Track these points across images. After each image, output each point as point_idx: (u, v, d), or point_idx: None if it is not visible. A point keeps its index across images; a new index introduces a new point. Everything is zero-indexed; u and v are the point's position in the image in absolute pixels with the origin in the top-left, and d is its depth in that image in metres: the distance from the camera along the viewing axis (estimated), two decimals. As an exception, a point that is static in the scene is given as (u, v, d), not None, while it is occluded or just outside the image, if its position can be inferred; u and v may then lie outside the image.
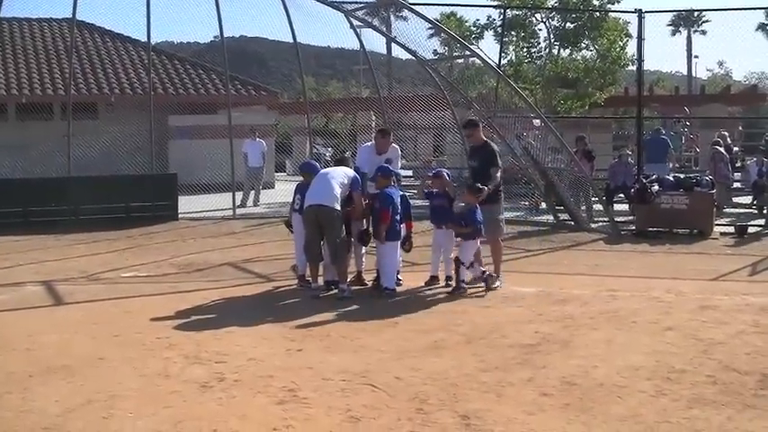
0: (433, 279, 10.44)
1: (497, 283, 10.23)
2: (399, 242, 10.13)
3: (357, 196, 10.07)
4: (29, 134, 23.51)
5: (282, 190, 21.69)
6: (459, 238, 10.20)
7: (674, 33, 69.82)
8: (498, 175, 10.34)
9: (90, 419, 5.65)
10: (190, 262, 12.93)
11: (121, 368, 6.89)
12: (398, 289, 10.04)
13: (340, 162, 10.89)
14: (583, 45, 25.90)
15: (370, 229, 10.25)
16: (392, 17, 22.42)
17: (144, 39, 21.41)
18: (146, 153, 20.75)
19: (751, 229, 15.48)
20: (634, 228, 15.60)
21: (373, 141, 11.34)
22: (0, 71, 26.91)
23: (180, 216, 18.56)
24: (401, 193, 10.40)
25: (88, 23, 29.39)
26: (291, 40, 20.69)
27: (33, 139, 22.86)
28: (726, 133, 22.90)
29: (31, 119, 24.65)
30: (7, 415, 5.78)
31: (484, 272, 10.25)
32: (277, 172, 30.62)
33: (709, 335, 7.77)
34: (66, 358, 7.17)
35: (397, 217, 9.96)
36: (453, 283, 10.10)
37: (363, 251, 10.65)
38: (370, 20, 19.94)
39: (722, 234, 15.15)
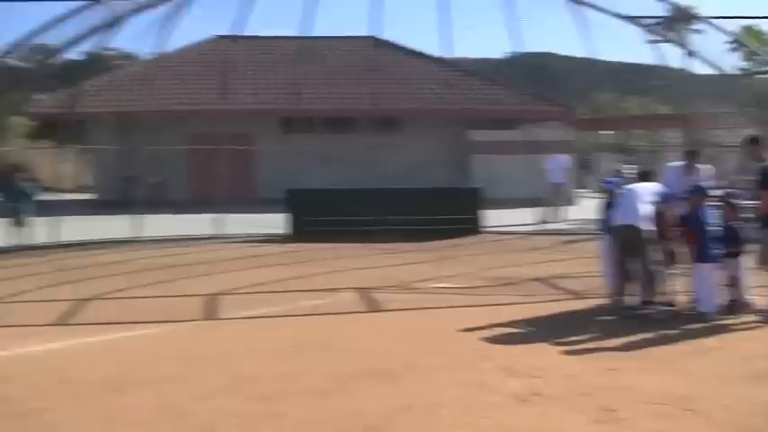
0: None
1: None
2: (715, 265, 9.63)
3: (667, 211, 9.75)
4: (332, 147, 24.88)
5: (585, 207, 21.39)
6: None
7: None
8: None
9: (412, 424, 5.81)
10: (498, 275, 13.00)
11: (439, 376, 7.03)
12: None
13: (644, 175, 10.47)
14: None
15: (676, 250, 9.91)
16: (687, 31, 21.53)
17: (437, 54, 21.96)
18: (447, 167, 21.23)
19: None
20: None
21: (681, 162, 11.14)
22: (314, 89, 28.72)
23: (483, 230, 18.80)
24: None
25: (384, 40, 30.49)
26: (584, 55, 20.59)
27: (336, 151, 24.14)
28: None
29: (333, 132, 26.07)
30: (335, 413, 6.07)
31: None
32: (578, 189, 30.27)
33: None
34: (385, 362, 7.43)
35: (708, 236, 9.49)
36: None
37: (673, 272, 10.23)
38: (665, 33, 19.36)
39: None
